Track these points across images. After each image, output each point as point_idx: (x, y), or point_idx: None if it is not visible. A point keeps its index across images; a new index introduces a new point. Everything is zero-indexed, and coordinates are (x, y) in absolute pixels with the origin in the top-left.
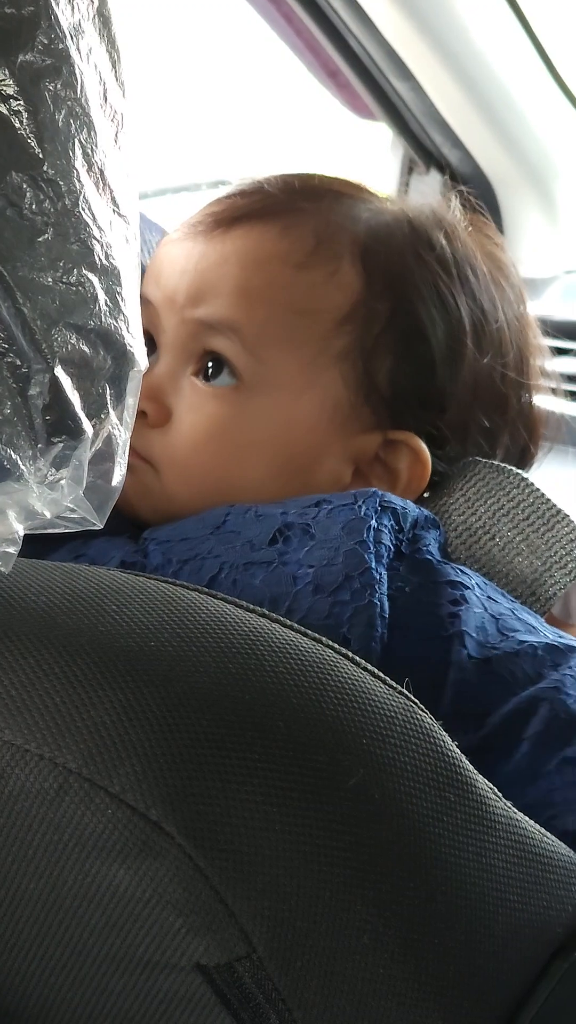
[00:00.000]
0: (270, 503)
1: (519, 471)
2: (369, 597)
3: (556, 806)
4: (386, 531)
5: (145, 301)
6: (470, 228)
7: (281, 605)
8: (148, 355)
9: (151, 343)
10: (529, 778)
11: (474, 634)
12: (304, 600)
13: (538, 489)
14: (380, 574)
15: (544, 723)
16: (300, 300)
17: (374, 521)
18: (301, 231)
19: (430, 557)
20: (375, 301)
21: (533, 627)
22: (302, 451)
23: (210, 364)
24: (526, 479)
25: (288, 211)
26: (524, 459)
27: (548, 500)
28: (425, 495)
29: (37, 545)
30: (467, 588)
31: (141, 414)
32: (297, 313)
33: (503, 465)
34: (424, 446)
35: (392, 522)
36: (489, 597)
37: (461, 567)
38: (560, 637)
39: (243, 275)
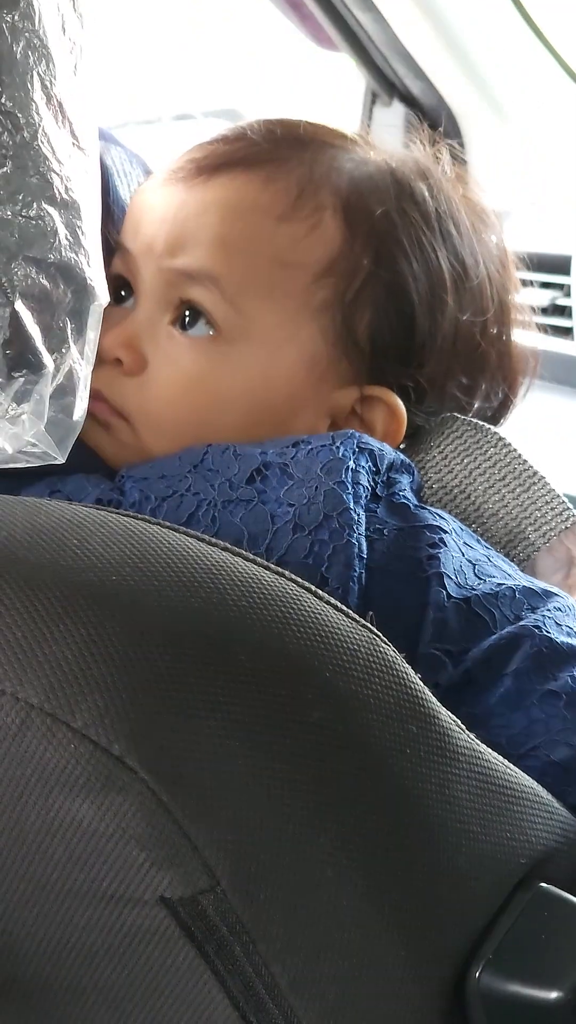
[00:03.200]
0: (248, 443)
1: (496, 430)
2: (348, 536)
3: (538, 736)
4: (363, 472)
5: (123, 248)
6: (453, 177)
7: (260, 543)
8: (126, 303)
9: (129, 290)
10: (512, 710)
11: (452, 576)
12: (283, 538)
13: (515, 450)
14: (358, 514)
15: (527, 658)
16: (281, 252)
17: (352, 462)
18: (284, 182)
19: (407, 501)
20: (357, 255)
21: (509, 573)
22: (279, 404)
23: (187, 313)
24: (503, 439)
25: (271, 160)
26: (503, 408)
27: (525, 461)
28: (402, 447)
29: (12, 480)
30: (445, 532)
31: (116, 362)
32: (278, 265)
33: (481, 423)
34: (400, 402)
35: (369, 463)
36: (466, 543)
37: (439, 512)
38: (535, 582)
39: (223, 225)
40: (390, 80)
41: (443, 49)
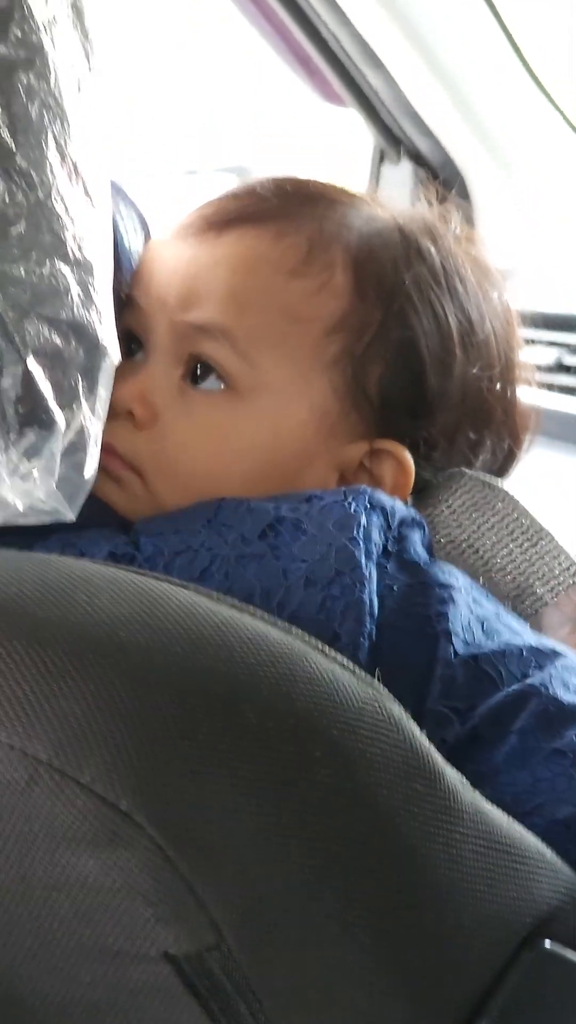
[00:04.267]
0: (261, 498)
1: (504, 486)
2: (359, 593)
3: (543, 794)
4: (375, 528)
5: (134, 303)
6: (459, 235)
7: (273, 598)
8: (136, 356)
9: (140, 345)
10: (518, 768)
11: (460, 633)
12: (296, 593)
13: (523, 505)
14: (370, 571)
15: (533, 716)
16: (292, 307)
17: (363, 518)
18: (295, 238)
19: (418, 559)
20: (366, 310)
21: (516, 631)
22: (289, 458)
23: (199, 367)
24: (511, 495)
25: (281, 216)
26: (507, 462)
27: (532, 517)
28: (409, 501)
29: (25, 535)
30: (454, 589)
31: (128, 415)
32: (289, 320)
33: (489, 479)
34: (409, 456)
35: (381, 519)
36: (475, 599)
37: (449, 568)
38: (542, 640)
39: (235, 280)
40: (398, 138)
41: (451, 107)
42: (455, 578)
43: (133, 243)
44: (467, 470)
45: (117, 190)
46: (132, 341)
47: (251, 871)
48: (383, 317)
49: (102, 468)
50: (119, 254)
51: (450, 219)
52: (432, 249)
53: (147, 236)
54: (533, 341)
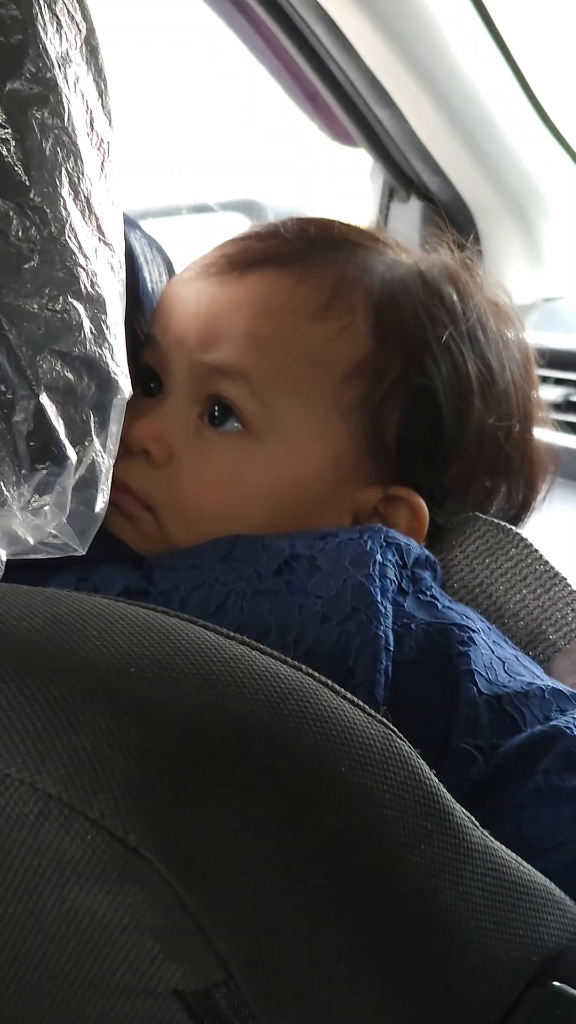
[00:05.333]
0: (276, 535)
1: (518, 531)
2: (375, 629)
3: (565, 831)
4: (390, 566)
5: (154, 341)
6: (480, 281)
7: (288, 634)
8: (154, 394)
9: (159, 383)
10: (541, 805)
11: (483, 672)
12: (311, 629)
13: (536, 550)
14: (385, 608)
15: (559, 757)
16: (312, 351)
17: (379, 555)
18: (317, 281)
19: (435, 599)
20: (386, 356)
21: (536, 674)
22: (303, 501)
23: (216, 408)
24: (525, 539)
25: (304, 259)
26: (523, 509)
27: (546, 562)
28: (423, 546)
29: (39, 569)
30: (473, 631)
31: (144, 453)
32: (308, 363)
33: (503, 524)
34: (423, 504)
35: (396, 557)
36: (494, 641)
37: (465, 609)
38: (560, 685)
39: (256, 322)
40: (407, 176)
41: (460, 146)
42: (472, 620)
43: (158, 286)
44: (481, 515)
45: (132, 223)
46: (151, 379)
47: (259, 908)
48: (402, 364)
49: (116, 505)
50: (141, 294)
51: (473, 266)
52: (454, 296)
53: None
54: (542, 379)
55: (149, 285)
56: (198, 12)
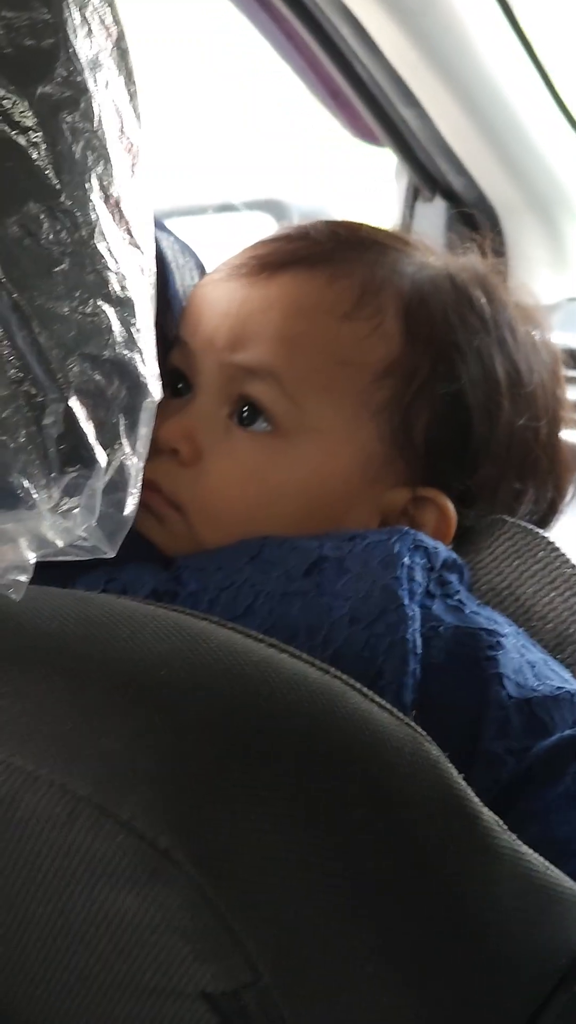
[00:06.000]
0: (305, 536)
1: (546, 534)
2: (403, 632)
3: None
4: (418, 568)
5: (182, 342)
6: (508, 285)
7: (316, 635)
8: (183, 395)
9: (188, 384)
10: (571, 808)
11: (512, 676)
12: (340, 631)
13: (564, 553)
14: (413, 611)
15: None
16: (342, 352)
17: (407, 558)
18: (347, 282)
19: (462, 605)
20: (416, 357)
21: (565, 678)
22: (332, 502)
23: (245, 408)
24: (552, 542)
25: (334, 260)
26: (551, 511)
27: (574, 565)
28: (450, 548)
29: (68, 569)
30: (502, 635)
31: (172, 453)
32: (338, 364)
33: (531, 527)
34: (451, 505)
35: (424, 560)
36: (523, 645)
37: (492, 612)
38: None
39: (286, 323)
40: (432, 176)
41: (485, 146)
42: (500, 624)
43: (188, 291)
44: (509, 518)
45: (162, 226)
46: (179, 380)
47: (288, 909)
48: (432, 365)
49: (145, 505)
50: (170, 297)
51: (501, 269)
52: (483, 299)
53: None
54: (568, 380)
55: (179, 289)
56: (221, 10)
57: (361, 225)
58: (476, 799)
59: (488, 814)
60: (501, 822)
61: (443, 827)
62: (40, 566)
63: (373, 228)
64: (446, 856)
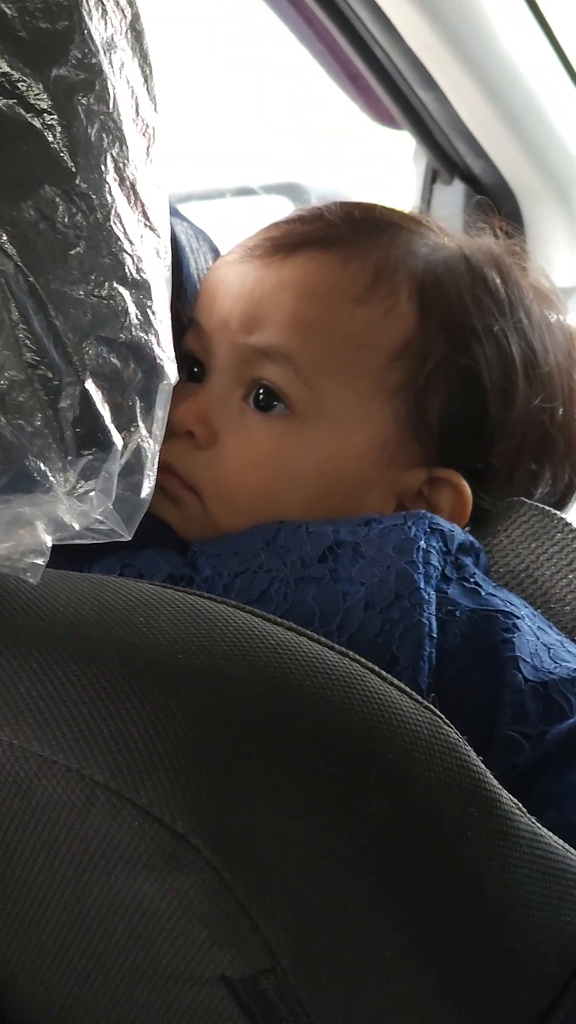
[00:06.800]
0: (320, 521)
1: (563, 516)
2: (418, 616)
3: None
4: (434, 552)
5: (197, 325)
6: (523, 266)
7: (332, 620)
8: (198, 378)
9: (202, 367)
10: None
11: (528, 659)
12: (355, 616)
13: None
14: (429, 595)
15: None
16: (356, 334)
17: (423, 542)
18: (361, 264)
19: (478, 587)
20: (430, 338)
21: None
22: (348, 483)
23: (260, 391)
24: (570, 524)
25: (348, 242)
26: (568, 493)
27: None
28: (467, 530)
29: (83, 554)
30: (518, 618)
31: (188, 435)
32: (353, 346)
33: (548, 509)
34: (467, 486)
35: (440, 544)
36: (540, 627)
37: (509, 595)
38: None
39: (300, 305)
40: (451, 159)
41: (504, 129)
42: (516, 607)
43: (203, 274)
44: (526, 500)
45: (176, 212)
46: (194, 363)
47: (306, 894)
48: (447, 346)
49: (161, 487)
50: (184, 280)
51: (517, 250)
52: (498, 280)
53: None
54: None
55: (194, 272)
56: None
57: (375, 206)
58: (495, 783)
59: (507, 797)
60: (520, 805)
61: (460, 812)
62: (54, 552)
63: (387, 209)
64: (463, 841)
